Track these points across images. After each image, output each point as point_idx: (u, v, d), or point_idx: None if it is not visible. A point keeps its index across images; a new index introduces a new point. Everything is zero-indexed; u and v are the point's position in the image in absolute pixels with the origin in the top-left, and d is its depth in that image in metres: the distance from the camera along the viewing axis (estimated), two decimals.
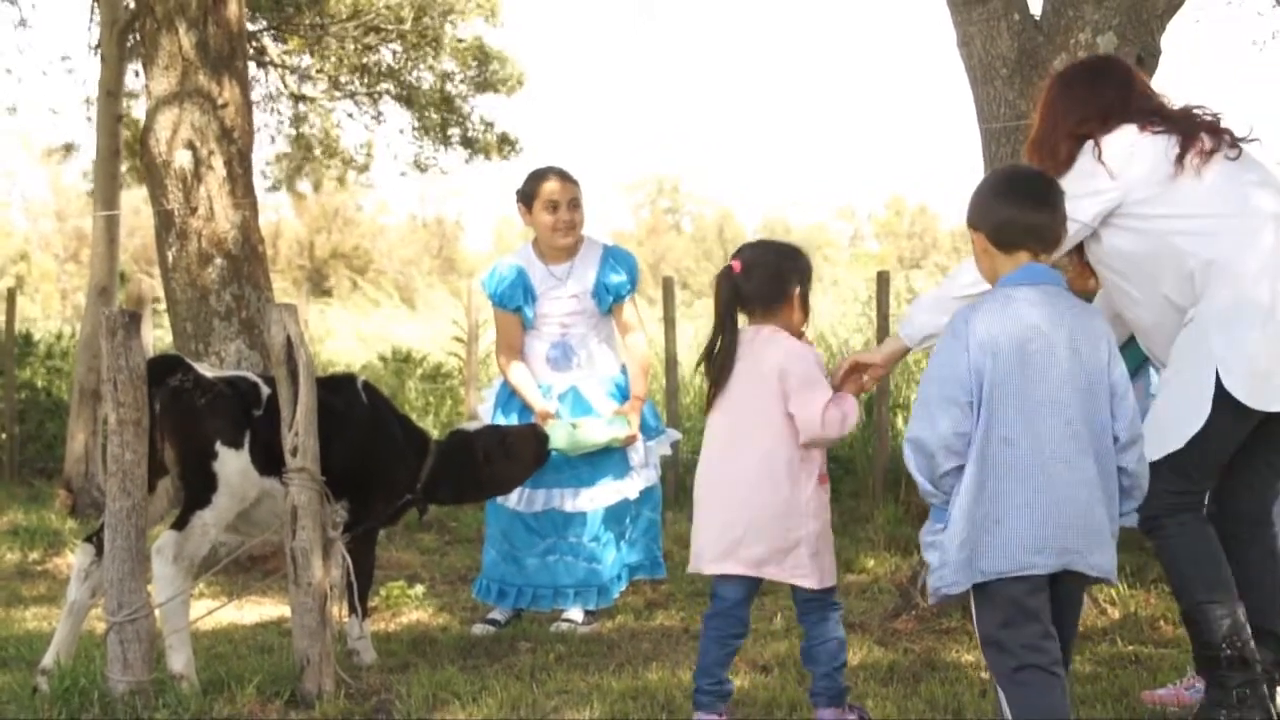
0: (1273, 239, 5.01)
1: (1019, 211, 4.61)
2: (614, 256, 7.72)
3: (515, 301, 7.57)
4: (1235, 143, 5.20)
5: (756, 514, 5.22)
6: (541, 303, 7.60)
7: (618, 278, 7.66)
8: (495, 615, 7.61)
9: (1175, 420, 5.02)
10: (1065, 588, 4.50)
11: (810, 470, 5.29)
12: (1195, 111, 5.28)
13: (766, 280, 5.36)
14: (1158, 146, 5.14)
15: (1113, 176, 5.13)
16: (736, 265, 5.40)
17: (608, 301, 7.67)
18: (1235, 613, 4.96)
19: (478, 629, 7.48)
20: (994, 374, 4.40)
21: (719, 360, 5.35)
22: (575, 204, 7.60)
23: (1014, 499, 4.38)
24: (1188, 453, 5.00)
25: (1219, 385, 4.91)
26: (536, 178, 7.66)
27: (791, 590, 5.44)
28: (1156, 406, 5.14)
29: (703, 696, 5.34)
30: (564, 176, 7.64)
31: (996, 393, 4.40)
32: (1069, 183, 5.06)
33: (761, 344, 5.33)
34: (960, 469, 4.44)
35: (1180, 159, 5.08)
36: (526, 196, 7.65)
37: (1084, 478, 4.41)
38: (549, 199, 7.58)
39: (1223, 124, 5.26)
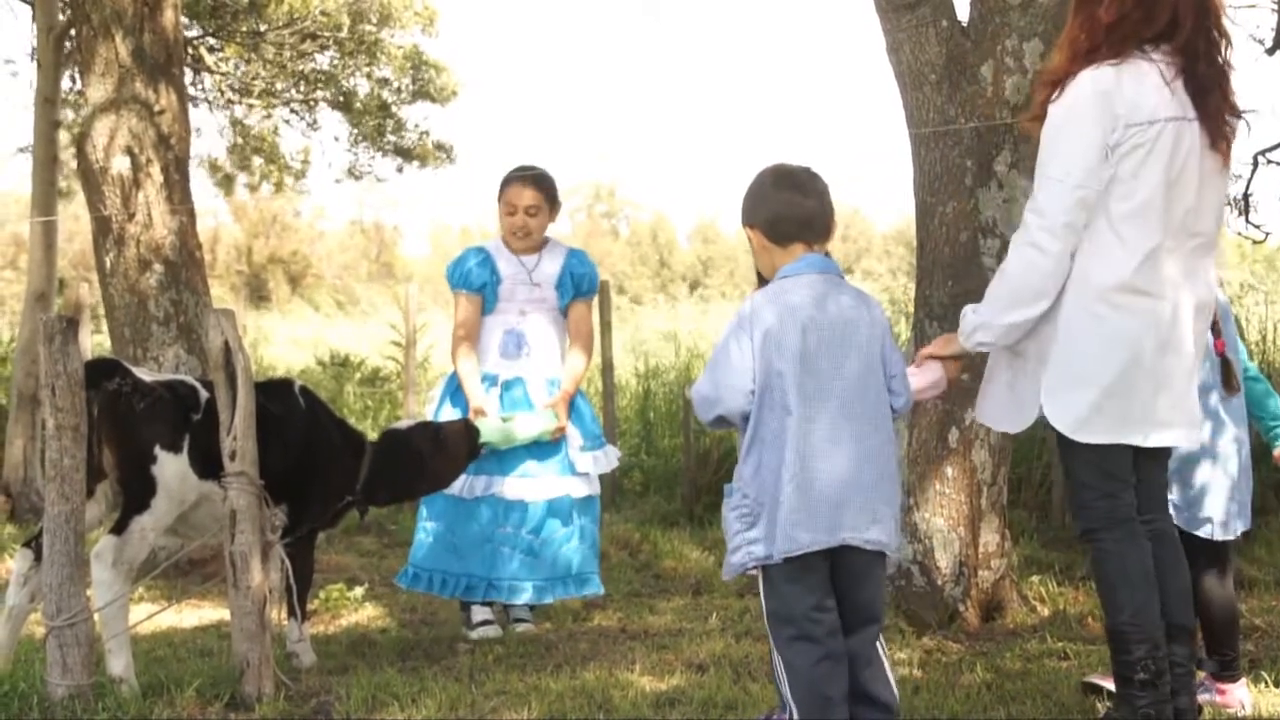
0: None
1: (788, 206, 4.80)
2: (578, 257, 7.80)
3: (481, 279, 7.58)
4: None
5: None
6: (505, 286, 7.64)
7: (582, 271, 7.74)
8: (486, 615, 7.58)
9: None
10: (848, 561, 4.66)
11: None
12: None
13: None
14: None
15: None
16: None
17: (569, 294, 7.71)
18: (1156, 637, 4.97)
19: (477, 634, 7.44)
20: (777, 363, 4.62)
21: None
22: (532, 211, 7.63)
23: (794, 479, 4.57)
24: (1087, 452, 5.05)
25: None
26: (507, 179, 7.72)
27: None
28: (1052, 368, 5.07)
29: None
30: (529, 182, 7.67)
31: (778, 381, 4.62)
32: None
33: None
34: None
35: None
36: (499, 192, 7.74)
37: (859, 456, 4.63)
38: (509, 202, 7.65)
39: None
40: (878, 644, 4.75)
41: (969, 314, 5.17)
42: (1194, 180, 4.96)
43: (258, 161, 18.91)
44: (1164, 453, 5.26)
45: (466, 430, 7.15)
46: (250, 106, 17.98)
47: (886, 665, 4.76)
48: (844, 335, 4.67)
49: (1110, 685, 5.64)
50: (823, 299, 4.70)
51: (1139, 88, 4.89)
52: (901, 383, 4.82)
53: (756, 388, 4.64)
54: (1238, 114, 5.09)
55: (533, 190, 7.65)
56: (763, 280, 5.49)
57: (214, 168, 19.00)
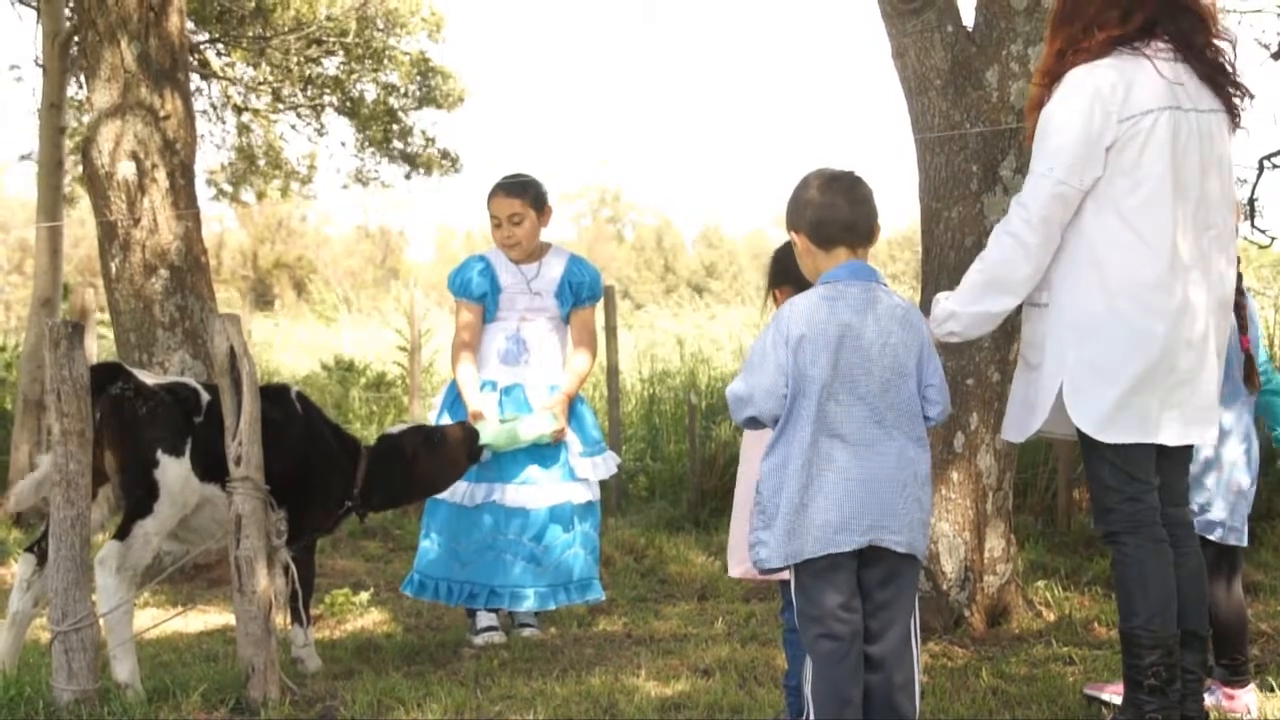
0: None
1: (831, 210, 4.80)
2: (578, 264, 7.77)
3: (481, 289, 7.57)
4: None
5: None
6: (505, 294, 7.63)
7: (581, 279, 7.71)
8: (490, 621, 7.55)
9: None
10: (875, 564, 4.67)
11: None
12: None
13: None
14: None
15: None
16: None
17: (568, 302, 7.68)
18: (1169, 644, 4.98)
19: (482, 639, 7.42)
20: (809, 368, 4.62)
21: None
22: (515, 219, 7.61)
23: (824, 483, 4.61)
24: (1110, 453, 5.08)
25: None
26: (489, 192, 7.71)
27: None
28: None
29: None
30: (508, 191, 7.65)
31: (810, 386, 4.63)
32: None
33: None
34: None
35: None
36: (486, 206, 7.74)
37: (886, 462, 4.65)
38: (493, 214, 7.65)
39: None
40: (912, 655, 4.73)
41: (941, 301, 5.23)
42: (1197, 170, 5.01)
43: (263, 166, 18.89)
44: (1185, 454, 5.27)
45: (464, 433, 7.12)
46: (256, 112, 17.98)
47: (917, 678, 4.75)
48: (879, 342, 4.67)
49: (1110, 697, 5.66)
50: (860, 306, 4.69)
51: (1129, 81, 4.96)
52: (938, 392, 4.81)
53: (790, 391, 4.65)
54: (1248, 92, 5.17)
55: (511, 199, 7.62)
56: (773, 283, 5.48)
57: (223, 169, 18.99)
